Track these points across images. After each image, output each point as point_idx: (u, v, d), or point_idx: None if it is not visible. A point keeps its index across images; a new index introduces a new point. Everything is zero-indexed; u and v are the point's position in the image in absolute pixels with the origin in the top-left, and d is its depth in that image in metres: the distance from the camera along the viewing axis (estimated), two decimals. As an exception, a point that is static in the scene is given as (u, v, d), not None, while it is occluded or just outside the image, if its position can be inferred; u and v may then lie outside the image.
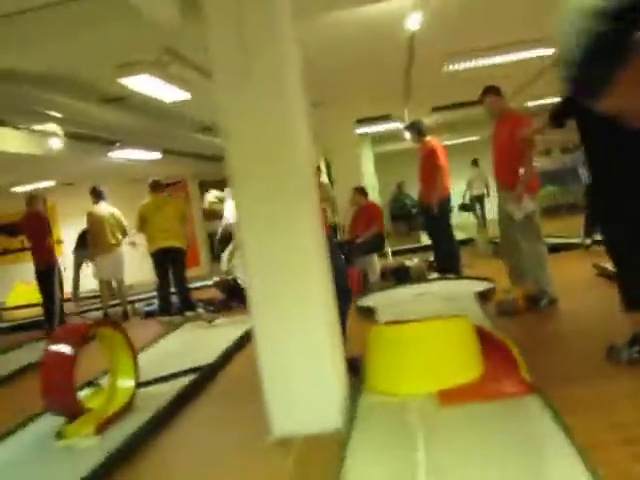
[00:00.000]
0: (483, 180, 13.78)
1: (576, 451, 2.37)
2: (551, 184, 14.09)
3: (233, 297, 7.87)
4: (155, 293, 8.24)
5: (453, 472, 2.48)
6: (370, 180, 12.65)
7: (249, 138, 3.26)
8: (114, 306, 8.63)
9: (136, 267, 11.12)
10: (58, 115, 5.80)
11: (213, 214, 6.60)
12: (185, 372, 4.61)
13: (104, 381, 4.60)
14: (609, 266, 6.22)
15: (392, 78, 7.87)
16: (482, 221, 13.92)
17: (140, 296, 9.25)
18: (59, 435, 3.60)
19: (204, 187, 12.87)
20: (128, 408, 3.97)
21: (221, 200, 6.38)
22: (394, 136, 12.48)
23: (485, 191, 13.87)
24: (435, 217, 7.25)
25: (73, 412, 3.76)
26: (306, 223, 3.28)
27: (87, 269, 10.11)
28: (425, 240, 11.07)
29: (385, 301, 6.30)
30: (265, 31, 3.20)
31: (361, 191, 8.25)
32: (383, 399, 3.38)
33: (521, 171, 5.14)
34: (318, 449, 3.01)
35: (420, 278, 7.58)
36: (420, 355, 3.52)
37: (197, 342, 6.08)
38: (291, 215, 3.24)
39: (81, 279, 10.41)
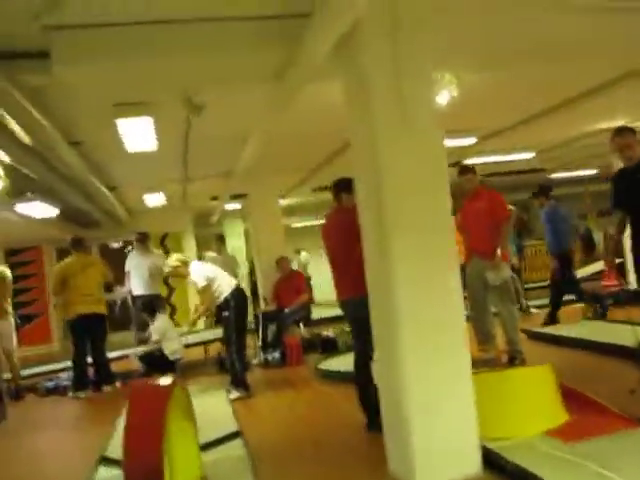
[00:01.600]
0: None
1: None
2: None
3: (155, 368, 7.21)
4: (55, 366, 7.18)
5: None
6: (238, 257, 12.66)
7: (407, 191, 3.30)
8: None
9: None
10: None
11: (177, 277, 6.16)
12: (226, 438, 4.16)
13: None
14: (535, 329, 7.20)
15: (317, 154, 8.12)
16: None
17: (31, 371, 7.87)
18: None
19: (60, 254, 11.65)
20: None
21: (184, 263, 5.99)
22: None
23: None
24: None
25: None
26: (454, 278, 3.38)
27: None
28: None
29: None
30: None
31: (286, 260, 8.29)
32: (501, 443, 3.45)
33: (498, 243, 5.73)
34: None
35: (350, 349, 7.71)
36: (525, 398, 3.71)
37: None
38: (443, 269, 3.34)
39: None
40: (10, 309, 7.19)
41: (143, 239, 8.48)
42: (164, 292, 9.58)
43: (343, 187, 4.42)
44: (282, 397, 5.81)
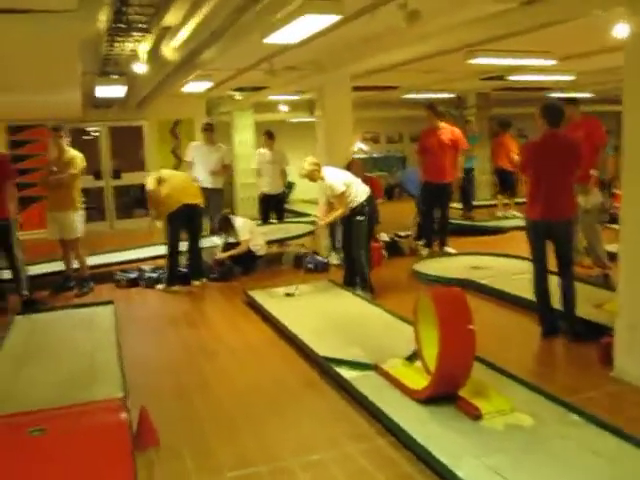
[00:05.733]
0: None
1: None
2: (379, 169, 15.53)
3: (240, 264, 7.26)
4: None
5: None
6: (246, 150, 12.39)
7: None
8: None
9: None
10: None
11: (311, 180, 6.01)
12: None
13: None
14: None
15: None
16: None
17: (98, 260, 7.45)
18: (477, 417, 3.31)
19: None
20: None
21: (318, 165, 5.91)
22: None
23: None
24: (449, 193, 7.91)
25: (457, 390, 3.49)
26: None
27: None
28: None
29: (450, 270, 6.65)
30: None
31: (359, 163, 8.27)
32: None
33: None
34: None
35: (413, 252, 8.08)
36: None
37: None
38: None
39: None
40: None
41: (210, 129, 8.07)
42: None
43: (563, 115, 4.70)
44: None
